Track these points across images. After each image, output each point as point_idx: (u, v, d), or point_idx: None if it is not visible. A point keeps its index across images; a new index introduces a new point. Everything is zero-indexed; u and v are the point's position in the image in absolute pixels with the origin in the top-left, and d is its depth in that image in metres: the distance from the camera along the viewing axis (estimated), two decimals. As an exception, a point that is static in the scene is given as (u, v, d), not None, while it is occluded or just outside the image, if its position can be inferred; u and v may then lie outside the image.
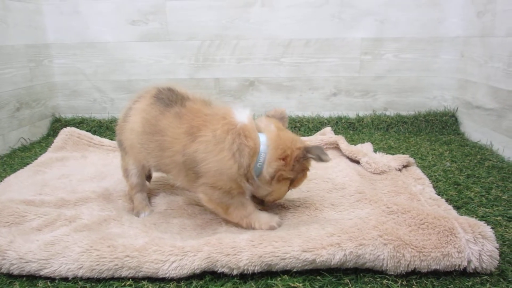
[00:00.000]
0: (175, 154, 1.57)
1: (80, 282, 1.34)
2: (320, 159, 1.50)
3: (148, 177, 2.02)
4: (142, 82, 3.44)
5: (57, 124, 3.39)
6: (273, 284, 1.28)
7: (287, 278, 1.31)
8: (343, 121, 3.31)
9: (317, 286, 1.29)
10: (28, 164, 2.43)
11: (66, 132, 2.77)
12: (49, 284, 1.34)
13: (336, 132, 3.06)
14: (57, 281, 1.35)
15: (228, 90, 3.45)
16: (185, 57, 3.39)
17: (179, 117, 1.58)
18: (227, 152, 1.48)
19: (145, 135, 1.64)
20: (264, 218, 1.61)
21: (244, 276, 1.33)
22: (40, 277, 1.37)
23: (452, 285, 1.29)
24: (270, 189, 1.60)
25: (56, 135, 2.79)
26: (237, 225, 1.62)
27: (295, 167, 1.56)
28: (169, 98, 1.65)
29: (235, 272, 1.32)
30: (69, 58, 3.44)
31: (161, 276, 1.33)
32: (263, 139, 1.55)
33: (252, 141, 1.51)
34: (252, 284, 1.30)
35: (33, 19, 3.22)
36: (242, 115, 1.58)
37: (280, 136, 1.57)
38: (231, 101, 3.42)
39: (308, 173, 1.68)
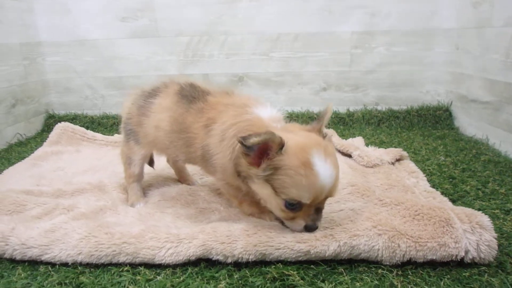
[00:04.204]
0: (197, 149, 1.56)
1: (79, 267, 1.36)
2: (242, 143, 1.26)
3: (151, 162, 2.03)
4: (132, 79, 3.46)
5: (51, 121, 3.42)
6: (268, 272, 1.29)
7: (281, 266, 1.31)
8: (333, 116, 3.30)
9: (311, 274, 1.29)
10: (25, 158, 2.47)
11: (60, 127, 2.82)
12: (50, 269, 1.36)
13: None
14: (57, 266, 1.38)
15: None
16: (174, 53, 3.40)
17: (200, 112, 1.56)
18: (228, 148, 1.43)
19: (174, 133, 1.63)
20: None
21: (238, 264, 1.34)
22: (42, 262, 1.40)
23: (448, 276, 1.28)
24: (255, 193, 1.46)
25: (50, 131, 2.84)
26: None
27: (257, 162, 1.33)
28: (192, 95, 1.62)
29: (229, 260, 1.33)
30: (60, 55, 3.46)
31: (157, 262, 1.34)
32: None
33: None
34: (247, 271, 1.30)
35: (25, 18, 3.25)
36: (262, 108, 1.49)
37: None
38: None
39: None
